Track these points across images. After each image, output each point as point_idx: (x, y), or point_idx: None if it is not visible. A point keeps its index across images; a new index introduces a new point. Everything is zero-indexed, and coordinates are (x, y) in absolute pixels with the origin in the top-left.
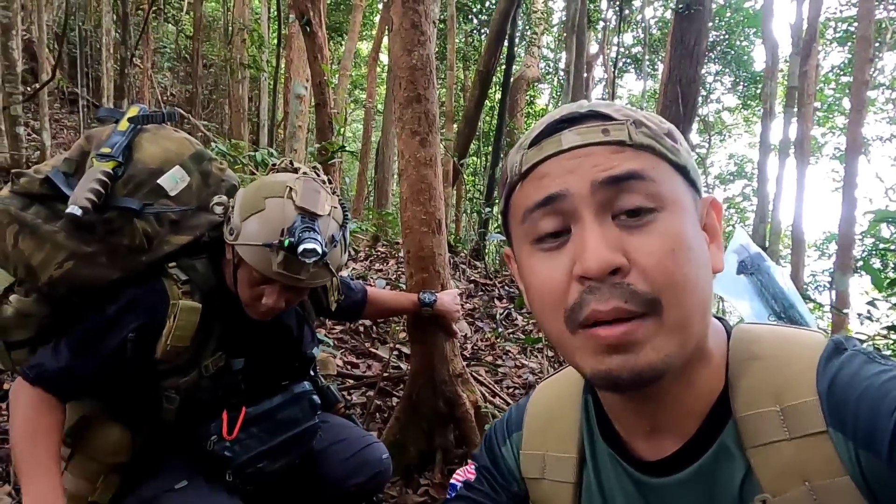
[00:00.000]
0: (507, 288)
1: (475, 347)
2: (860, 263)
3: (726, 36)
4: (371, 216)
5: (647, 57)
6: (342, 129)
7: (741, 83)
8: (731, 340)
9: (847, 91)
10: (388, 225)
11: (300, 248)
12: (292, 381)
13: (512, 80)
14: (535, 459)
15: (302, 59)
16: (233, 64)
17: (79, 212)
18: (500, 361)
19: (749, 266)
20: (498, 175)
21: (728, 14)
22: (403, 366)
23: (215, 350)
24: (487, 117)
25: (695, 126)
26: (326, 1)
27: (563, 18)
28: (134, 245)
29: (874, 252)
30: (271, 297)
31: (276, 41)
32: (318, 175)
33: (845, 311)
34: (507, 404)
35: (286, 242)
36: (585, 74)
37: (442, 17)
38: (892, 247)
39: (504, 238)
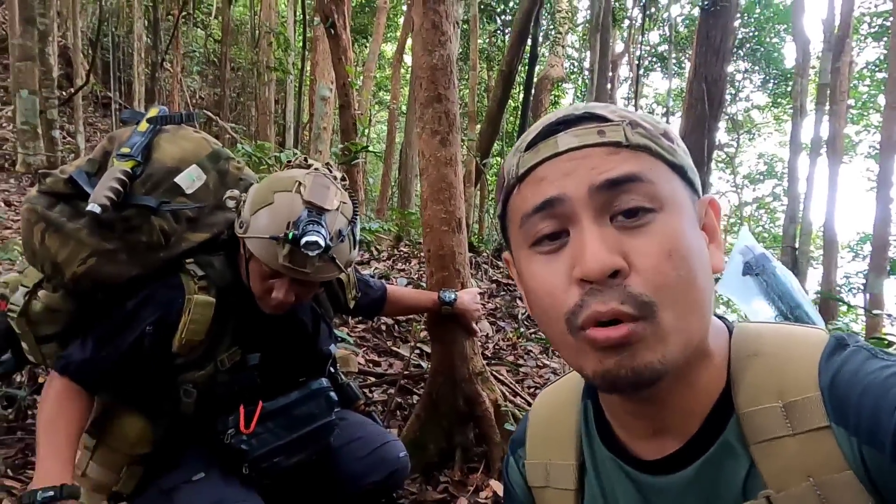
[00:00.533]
0: None
1: (497, 347)
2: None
3: (755, 33)
4: (394, 216)
5: (673, 55)
6: (366, 131)
7: (771, 80)
8: (733, 339)
9: (882, 88)
10: (411, 225)
11: (303, 241)
12: (309, 378)
13: (536, 79)
14: (538, 468)
15: (327, 61)
16: (259, 67)
17: (98, 209)
18: (521, 361)
19: (755, 267)
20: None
21: (757, 10)
22: (424, 364)
23: (231, 345)
24: (511, 117)
25: (723, 125)
26: (351, 3)
27: (588, 17)
28: (152, 242)
29: None
30: (281, 291)
31: (301, 44)
32: (331, 171)
33: (876, 312)
34: (528, 404)
35: (290, 235)
36: (610, 73)
37: (465, 17)
38: None
39: None
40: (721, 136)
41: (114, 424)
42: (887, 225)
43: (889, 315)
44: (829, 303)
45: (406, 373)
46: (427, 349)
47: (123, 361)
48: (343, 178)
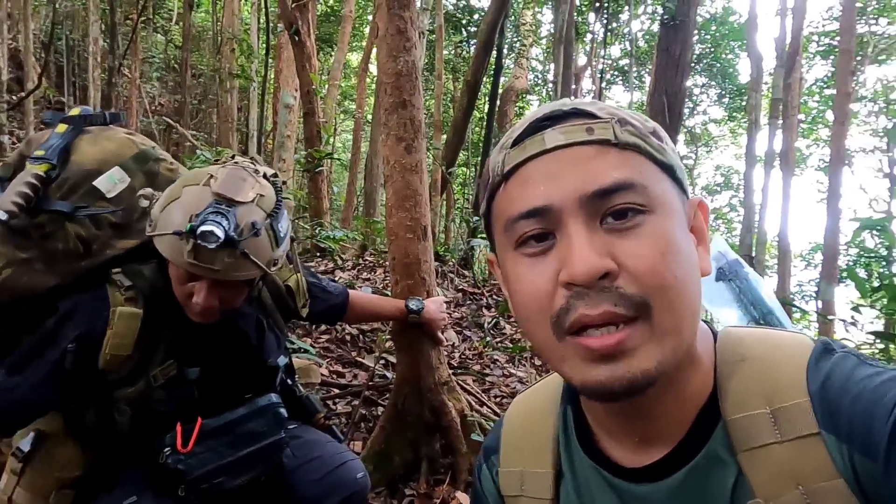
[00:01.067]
0: (494, 297)
1: (463, 356)
2: (845, 273)
3: (712, 49)
4: (359, 225)
5: (634, 69)
6: (331, 139)
7: (727, 95)
8: (718, 343)
9: (830, 103)
10: (376, 234)
11: (198, 231)
12: (257, 393)
13: (500, 90)
14: (513, 477)
15: (291, 69)
16: (221, 74)
17: (4, 216)
18: (487, 370)
19: (727, 272)
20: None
21: (713, 27)
22: (389, 374)
23: (165, 358)
24: (476, 128)
25: (682, 137)
26: (316, 11)
27: (552, 30)
28: (69, 250)
29: (858, 262)
30: (200, 295)
31: (265, 51)
32: (254, 164)
33: (830, 317)
34: (495, 413)
35: (188, 227)
36: (574, 86)
37: (430, 27)
38: (876, 256)
39: (487, 244)
40: (680, 148)
41: (41, 447)
42: (837, 235)
43: (845, 321)
44: (784, 308)
45: (371, 383)
46: (392, 360)
47: (42, 388)
48: (275, 175)
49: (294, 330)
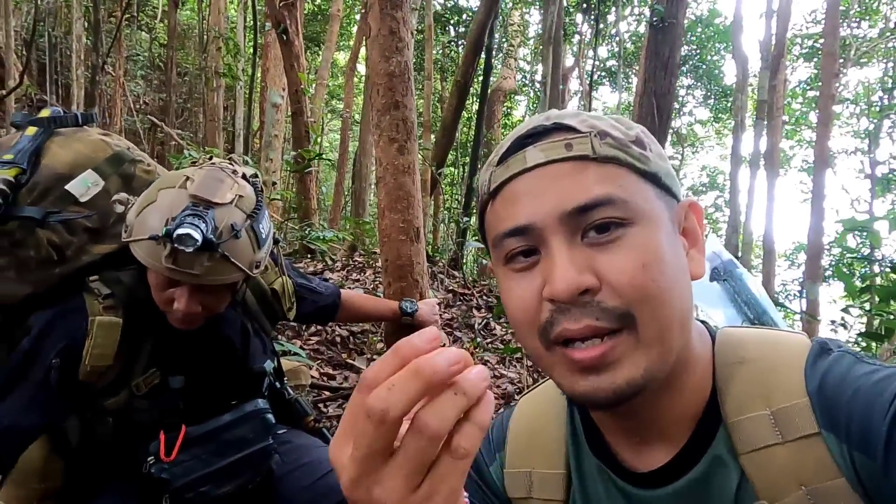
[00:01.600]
0: (485, 298)
1: None
2: (829, 272)
3: (698, 50)
4: (348, 225)
5: (621, 70)
6: (319, 139)
7: (712, 97)
8: (717, 345)
9: (814, 105)
10: (365, 234)
11: (174, 235)
12: (243, 399)
13: (489, 91)
14: (520, 478)
15: (278, 68)
16: (208, 72)
17: None
18: None
19: (722, 273)
20: (475, 185)
21: (699, 29)
22: None
23: (147, 367)
24: (465, 128)
25: (668, 138)
26: (304, 10)
27: (540, 31)
28: (41, 257)
29: (841, 262)
30: (181, 301)
31: (251, 50)
32: (233, 164)
33: (819, 318)
34: None
35: (164, 231)
36: (561, 86)
37: (419, 27)
38: (858, 256)
39: (481, 245)
40: (666, 149)
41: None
42: (821, 235)
43: (834, 321)
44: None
45: None
46: None
47: (33, 409)
48: (255, 175)
49: (284, 331)
